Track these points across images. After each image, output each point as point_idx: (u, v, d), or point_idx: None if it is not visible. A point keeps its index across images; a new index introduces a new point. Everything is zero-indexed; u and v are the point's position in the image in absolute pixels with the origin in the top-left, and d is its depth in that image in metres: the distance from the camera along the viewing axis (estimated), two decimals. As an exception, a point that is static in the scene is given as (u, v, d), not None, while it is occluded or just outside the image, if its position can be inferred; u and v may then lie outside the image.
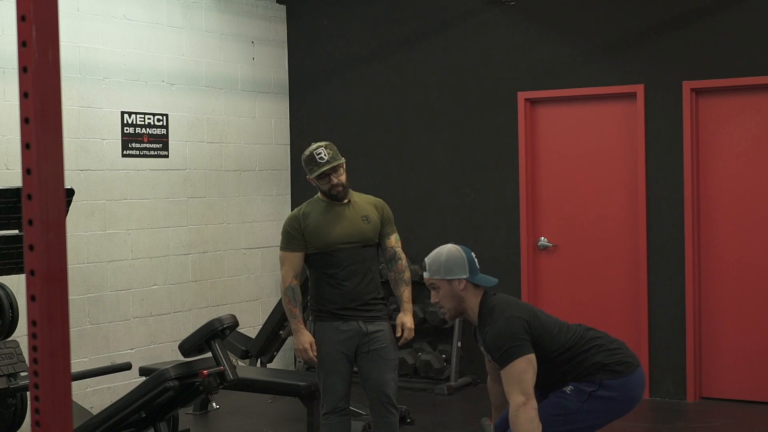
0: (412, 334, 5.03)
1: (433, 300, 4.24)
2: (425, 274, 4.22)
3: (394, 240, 5.10)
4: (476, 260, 4.22)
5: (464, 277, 4.11)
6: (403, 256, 5.11)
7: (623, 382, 4.07)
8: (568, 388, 4.06)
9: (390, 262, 5.08)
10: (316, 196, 5.08)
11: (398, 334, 5.01)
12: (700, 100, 7.29)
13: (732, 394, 7.25)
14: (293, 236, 4.96)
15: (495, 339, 3.98)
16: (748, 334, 7.19)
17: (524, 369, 3.89)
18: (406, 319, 5.00)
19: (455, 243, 4.33)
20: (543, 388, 4.14)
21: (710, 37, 7.20)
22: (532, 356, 3.93)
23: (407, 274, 5.10)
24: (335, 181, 4.93)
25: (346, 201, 5.01)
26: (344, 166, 4.99)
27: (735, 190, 7.21)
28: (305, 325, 4.98)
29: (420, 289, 8.11)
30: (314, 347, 4.90)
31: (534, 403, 3.88)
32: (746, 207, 7.18)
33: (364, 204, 5.07)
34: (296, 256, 4.96)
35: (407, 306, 5.03)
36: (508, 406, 4.04)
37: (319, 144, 4.98)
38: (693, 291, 7.26)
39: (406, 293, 5.07)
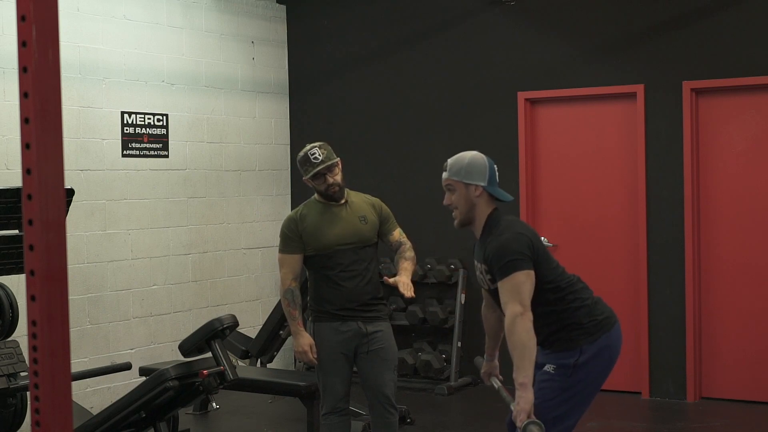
0: (406, 286, 4.81)
1: (445, 202, 4.16)
2: (444, 174, 4.14)
3: (397, 234, 5.09)
4: (497, 173, 4.18)
5: (482, 184, 4.08)
6: (408, 243, 5.09)
7: (601, 342, 4.03)
8: (551, 368, 4.03)
9: (396, 250, 5.08)
10: (313, 197, 5.08)
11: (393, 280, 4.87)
12: (700, 100, 7.29)
13: (732, 394, 7.25)
14: (291, 238, 4.96)
15: (497, 250, 3.93)
16: (748, 334, 7.19)
17: (523, 281, 3.86)
18: (400, 277, 4.89)
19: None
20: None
21: (710, 37, 7.20)
22: (532, 272, 3.90)
23: (409, 254, 5.04)
24: (331, 180, 4.93)
25: (342, 201, 5.01)
26: (340, 165, 4.98)
27: (735, 190, 7.21)
28: (305, 327, 4.98)
29: (420, 288, 8.11)
30: (314, 349, 4.90)
31: (530, 315, 3.83)
32: (746, 207, 7.18)
33: (361, 204, 5.06)
34: (295, 258, 4.95)
35: (403, 272, 4.92)
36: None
37: (313, 144, 4.97)
38: (693, 291, 7.26)
39: (404, 264, 4.98)
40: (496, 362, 4.38)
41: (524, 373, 3.78)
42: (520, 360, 3.79)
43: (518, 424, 3.74)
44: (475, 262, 4.17)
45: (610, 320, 4.11)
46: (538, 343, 4.00)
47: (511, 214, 4.23)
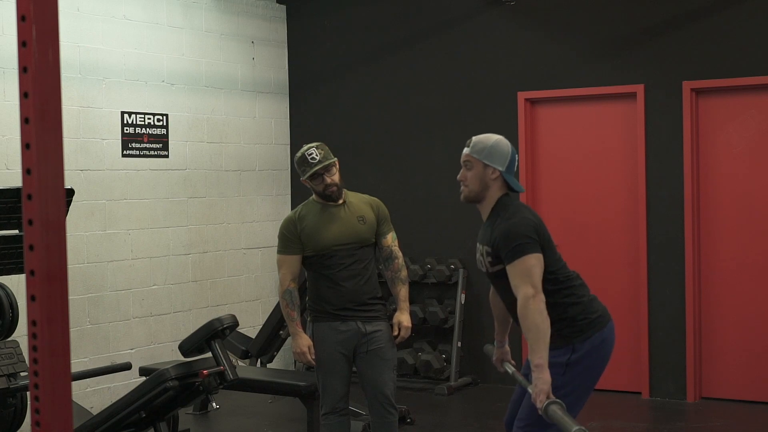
0: (409, 332, 5.03)
1: (460, 177, 4.18)
2: (466, 150, 4.16)
3: (390, 239, 5.10)
4: (517, 164, 4.20)
5: (500, 168, 4.11)
6: (399, 254, 5.11)
7: (593, 340, 4.04)
8: None
9: (386, 261, 5.09)
10: (311, 198, 5.08)
11: (395, 333, 5.02)
12: (700, 100, 7.29)
13: (732, 394, 7.25)
14: (290, 239, 4.96)
15: (506, 234, 3.95)
16: (748, 334, 7.19)
17: (533, 264, 3.88)
18: (403, 317, 5.01)
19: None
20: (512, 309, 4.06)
21: (710, 37, 7.20)
22: (541, 256, 3.92)
23: (404, 273, 5.11)
24: (328, 180, 4.93)
25: (341, 201, 5.01)
26: (337, 166, 4.99)
27: (735, 190, 7.21)
28: (304, 328, 4.98)
29: (420, 289, 8.11)
30: (312, 351, 4.91)
31: (543, 296, 3.84)
32: (746, 207, 7.18)
33: (359, 204, 5.06)
34: (294, 259, 4.96)
35: (404, 305, 5.05)
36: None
37: (310, 145, 4.98)
38: (693, 291, 7.25)
39: (402, 292, 5.07)
40: (507, 347, 4.40)
41: (539, 354, 3.78)
42: (535, 342, 3.80)
43: (538, 405, 3.73)
44: (478, 244, 4.17)
45: (603, 319, 4.11)
46: None
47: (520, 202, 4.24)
